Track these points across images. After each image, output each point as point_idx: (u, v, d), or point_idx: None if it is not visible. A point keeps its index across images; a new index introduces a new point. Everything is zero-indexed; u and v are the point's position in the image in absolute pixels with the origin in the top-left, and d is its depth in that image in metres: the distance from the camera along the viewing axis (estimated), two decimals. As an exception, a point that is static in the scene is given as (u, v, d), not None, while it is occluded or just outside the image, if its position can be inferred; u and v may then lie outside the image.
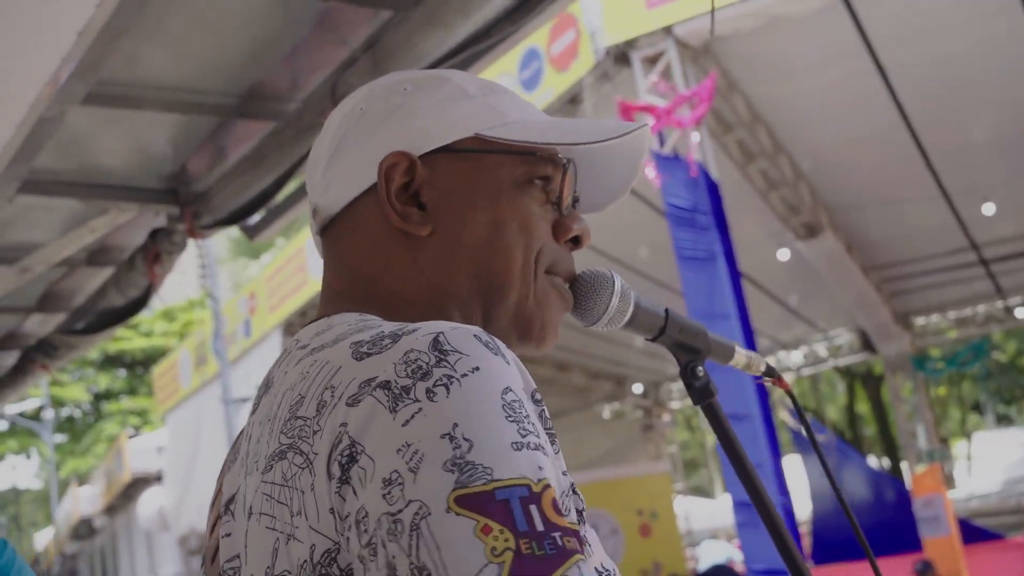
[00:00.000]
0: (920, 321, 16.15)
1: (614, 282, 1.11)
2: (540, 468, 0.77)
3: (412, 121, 1.04)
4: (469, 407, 0.77)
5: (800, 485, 15.35)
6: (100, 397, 34.69)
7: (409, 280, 1.03)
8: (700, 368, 1.20)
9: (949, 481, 17.63)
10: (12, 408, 28.52)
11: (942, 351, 17.45)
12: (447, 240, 1.03)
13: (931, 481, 12.42)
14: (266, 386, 0.99)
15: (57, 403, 33.12)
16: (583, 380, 18.46)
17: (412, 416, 0.77)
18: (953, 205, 11.99)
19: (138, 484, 22.60)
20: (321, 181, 1.07)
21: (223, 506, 1.00)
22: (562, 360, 17.46)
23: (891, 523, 13.98)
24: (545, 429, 0.83)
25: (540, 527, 0.73)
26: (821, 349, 17.70)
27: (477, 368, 0.79)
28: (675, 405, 20.90)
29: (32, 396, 30.78)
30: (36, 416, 32.85)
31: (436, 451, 0.74)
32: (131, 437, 25.12)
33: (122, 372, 34.57)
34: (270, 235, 3.68)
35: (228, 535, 0.96)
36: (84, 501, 28.82)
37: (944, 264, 13.83)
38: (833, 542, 14.42)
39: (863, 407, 31.50)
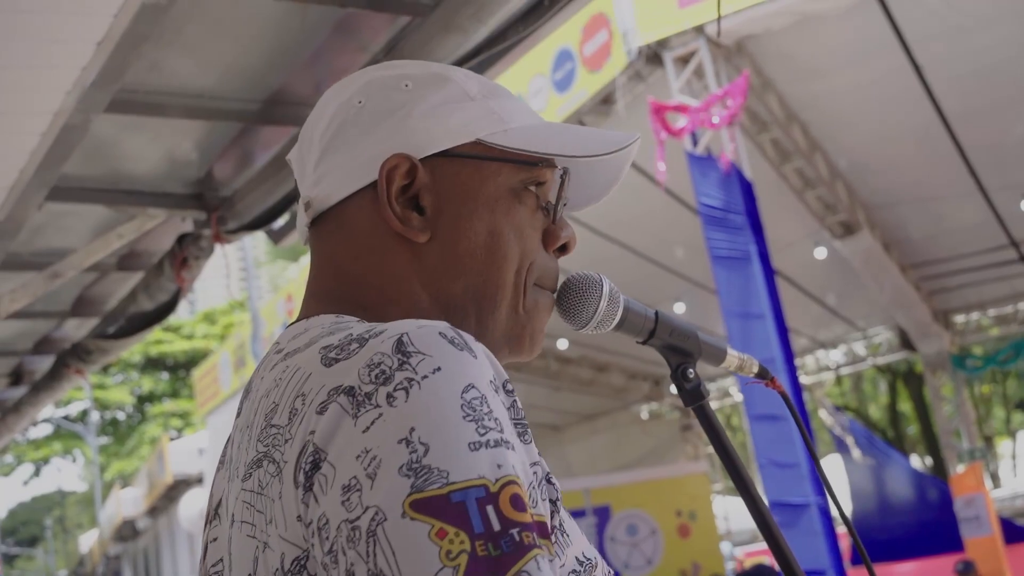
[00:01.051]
0: (960, 319, 15.96)
1: (602, 285, 1.11)
2: (499, 466, 0.76)
3: (413, 122, 1.01)
4: (427, 410, 0.76)
5: (841, 485, 15.25)
6: (143, 399, 35.09)
7: (400, 286, 1.01)
8: (691, 371, 1.20)
9: (994, 480, 17.42)
10: (57, 411, 28.93)
11: (984, 349, 17.24)
12: (445, 247, 1.01)
13: (972, 480, 12.27)
14: (246, 392, 0.99)
15: (101, 406, 33.54)
16: (621, 381, 18.42)
17: (373, 422, 0.76)
18: (991, 202, 11.83)
19: (179, 486, 22.85)
20: (313, 173, 1.04)
21: (212, 510, 1.00)
22: (601, 361, 17.43)
23: (933, 523, 13.86)
24: (514, 420, 0.82)
25: (497, 527, 0.73)
26: (860, 348, 17.54)
27: (438, 368, 0.78)
28: (714, 405, 20.77)
29: (76, 399, 31.24)
30: (80, 419, 33.32)
31: (393, 456, 0.74)
32: (172, 439, 25.40)
33: (164, 375, 34.95)
34: (295, 239, 3.71)
35: (215, 540, 0.97)
36: (127, 503, 29.17)
37: (983, 262, 13.65)
38: (873, 542, 14.31)
39: (906, 406, 31.17)
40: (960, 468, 14.13)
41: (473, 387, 0.79)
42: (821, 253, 12.55)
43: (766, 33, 8.70)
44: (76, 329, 4.81)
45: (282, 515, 0.81)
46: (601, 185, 1.17)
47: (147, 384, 34.48)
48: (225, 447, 1.04)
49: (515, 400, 0.84)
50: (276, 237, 3.73)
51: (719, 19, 5.67)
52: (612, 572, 0.96)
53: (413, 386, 0.77)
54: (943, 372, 15.65)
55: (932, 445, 28.76)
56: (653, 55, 9.19)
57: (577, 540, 0.91)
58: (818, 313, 15.69)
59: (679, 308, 14.00)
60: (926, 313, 14.86)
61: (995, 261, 13.61)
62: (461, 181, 1.02)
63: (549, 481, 0.89)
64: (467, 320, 1.02)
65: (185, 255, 3.65)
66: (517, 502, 0.75)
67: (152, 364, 34.22)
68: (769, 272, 8.40)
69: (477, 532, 0.72)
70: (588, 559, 0.91)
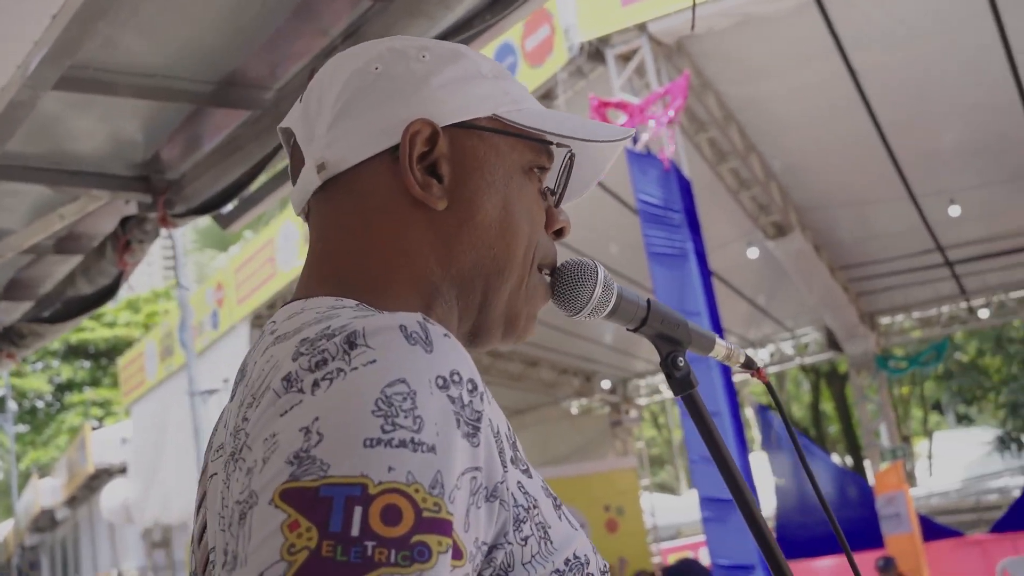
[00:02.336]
0: (885, 321, 16.31)
1: (597, 272, 1.12)
2: (390, 469, 0.71)
3: (433, 92, 1.00)
4: (338, 401, 0.73)
5: (766, 482, 15.47)
6: (62, 388, 34.37)
7: (412, 254, 0.99)
8: (681, 359, 1.20)
9: (911, 479, 17.82)
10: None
11: (904, 350, 17.63)
12: (461, 218, 1.00)
13: (893, 479, 12.55)
14: (241, 373, 0.95)
15: (19, 394, 32.77)
16: (552, 376, 18.49)
17: (290, 408, 0.75)
18: (920, 207, 12.11)
19: (101, 476, 22.43)
20: (325, 136, 1.01)
21: (198, 500, 0.99)
22: (531, 356, 17.49)
23: (854, 520, 14.11)
24: (461, 419, 0.77)
25: (355, 532, 0.68)
26: (788, 347, 17.83)
27: (372, 361, 0.75)
28: (642, 401, 20.98)
29: (-8, 386, 30.48)
30: (-2, 406, 32.52)
31: (289, 443, 0.72)
32: (95, 428, 24.90)
33: (85, 363, 34.27)
34: (243, 224, 3.65)
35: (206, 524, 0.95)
36: (45, 492, 28.55)
37: (910, 265, 13.97)
38: (796, 538, 14.54)
39: (827, 405, 31.79)
40: (882, 467, 14.43)
41: (403, 382, 0.75)
42: (753, 253, 12.73)
43: (708, 33, 8.79)
44: (6, 313, 4.68)
45: (222, 502, 0.82)
46: (583, 180, 1.18)
47: (67, 372, 33.77)
48: (214, 434, 1.01)
49: (472, 400, 0.79)
50: (224, 222, 3.66)
51: (694, 7, 5.67)
52: (606, 566, 0.94)
53: (340, 375, 0.75)
54: (867, 372, 15.97)
55: (852, 444, 29.37)
56: (595, 52, 9.22)
57: (566, 543, 0.87)
58: (748, 312, 15.92)
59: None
60: (853, 314, 15.16)
61: (921, 265, 13.94)
62: (478, 154, 1.02)
63: (521, 488, 0.85)
64: (474, 294, 1.01)
65: (129, 238, 3.56)
66: (390, 514, 0.70)
67: (73, 352, 33.56)
68: (705, 270, 8.49)
69: (331, 531, 0.68)
70: (578, 558, 0.87)
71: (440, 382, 0.77)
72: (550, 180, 1.13)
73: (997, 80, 9.45)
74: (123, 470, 20.45)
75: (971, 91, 9.74)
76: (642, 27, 8.82)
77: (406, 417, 0.73)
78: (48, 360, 33.58)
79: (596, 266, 1.12)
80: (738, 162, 10.85)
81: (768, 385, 1.28)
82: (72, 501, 27.02)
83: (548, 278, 1.10)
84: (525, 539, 0.84)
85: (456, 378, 0.78)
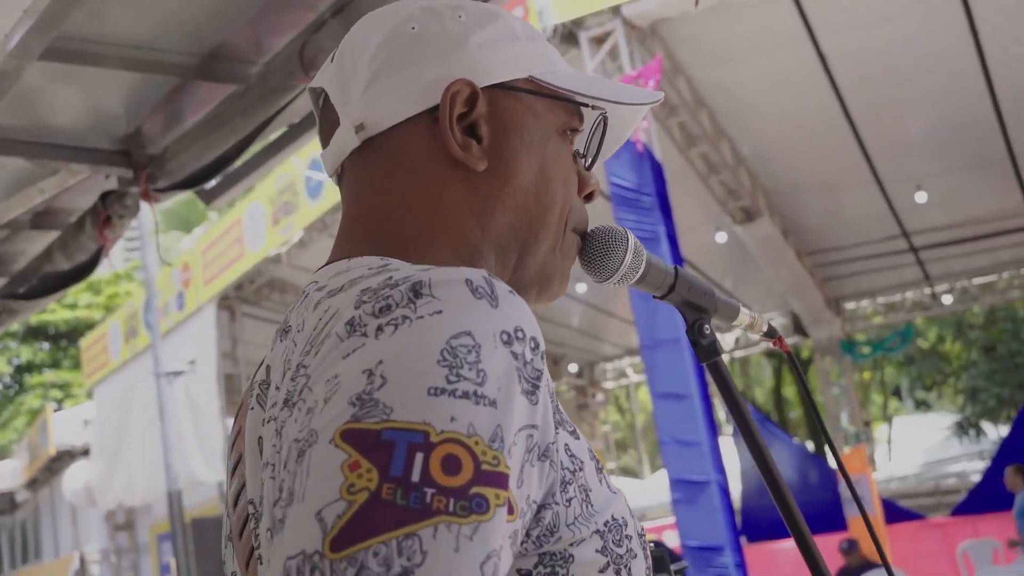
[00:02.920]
0: (850, 306, 16.46)
1: (628, 238, 1.12)
2: (452, 419, 0.71)
3: (471, 52, 1.00)
4: (404, 347, 0.73)
5: (732, 465, 15.60)
6: (22, 370, 33.94)
7: (451, 214, 0.99)
8: (707, 327, 1.21)
9: (871, 463, 18.04)
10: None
11: (867, 336, 17.83)
12: (499, 179, 1.00)
13: (857, 462, 12.70)
14: (284, 331, 0.95)
15: (-23, 375, 32.40)
16: (518, 359, 18.50)
17: (353, 351, 0.75)
18: (887, 193, 12.22)
19: (63, 458, 22.21)
20: (362, 96, 1.00)
21: (233, 463, 0.98)
22: (498, 339, 17.48)
23: (817, 503, 14.28)
24: (523, 377, 0.77)
25: (415, 478, 0.68)
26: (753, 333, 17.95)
27: (439, 312, 0.75)
28: (609, 385, 21.06)
29: (-49, 367, 30.10)
30: (-45, 388, 32.11)
31: (351, 384, 0.72)
32: (56, 410, 24.64)
33: (45, 345, 33.86)
34: (226, 200, 3.62)
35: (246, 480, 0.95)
36: (4, 475, 28.23)
37: (876, 251, 14.10)
38: (762, 521, 14.70)
39: (789, 390, 32.08)
40: (845, 451, 14.59)
41: (468, 334, 0.75)
42: (722, 237, 12.80)
43: (681, 18, 8.80)
44: (-23, 289, 4.61)
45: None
46: (608, 144, 1.17)
47: (26, 354, 33.36)
48: (251, 390, 1.00)
49: (534, 358, 0.79)
50: (207, 198, 3.62)
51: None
52: (643, 529, 0.95)
53: (405, 323, 0.75)
54: (831, 357, 16.13)
55: (814, 429, 29.68)
56: (568, 34, 9.21)
57: (606, 505, 0.87)
58: (715, 297, 15.99)
59: (581, 288, 14.12)
60: (819, 299, 15.29)
61: (887, 251, 14.07)
62: (516, 116, 1.01)
63: (568, 450, 0.85)
64: (510, 255, 1.01)
65: (109, 213, 3.52)
66: (450, 463, 0.70)
67: (32, 333, 33.13)
68: (676, 254, 8.53)
69: (392, 474, 0.68)
70: (616, 520, 0.88)
71: (504, 337, 0.77)
72: (579, 143, 1.13)
73: (965, 67, 9.55)
74: (85, 452, 20.26)
75: (939, 78, 9.83)
76: (616, 10, 8.82)
77: (470, 369, 0.73)
78: (7, 342, 33.15)
79: (627, 232, 1.12)
80: (708, 147, 10.90)
81: (789, 355, 1.30)
82: (33, 483, 26.74)
83: (579, 239, 1.10)
84: (569, 500, 0.84)
85: (520, 335, 0.78)
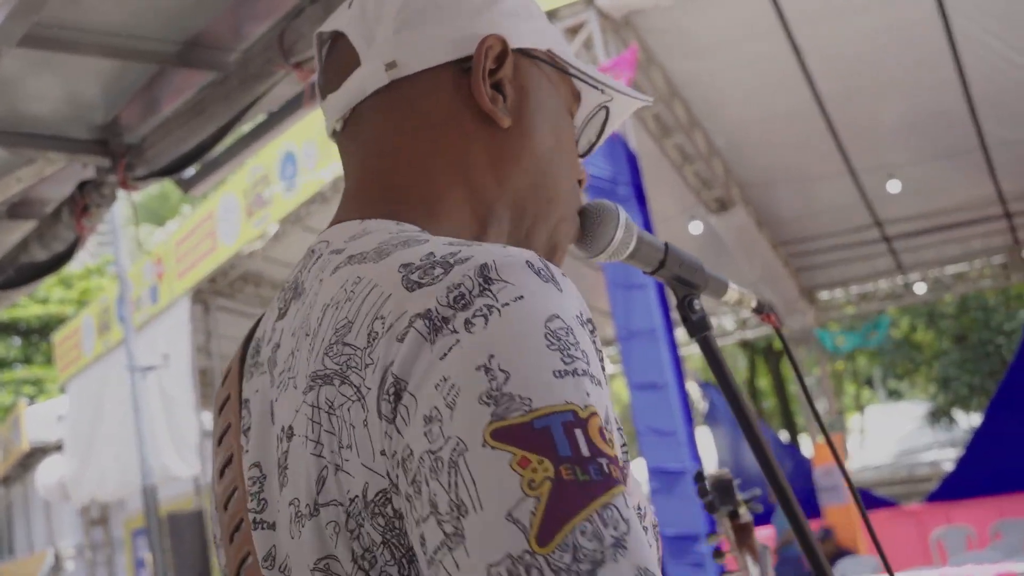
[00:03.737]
0: (824, 296, 16.57)
1: (618, 214, 1.13)
2: (587, 395, 0.73)
3: (502, 14, 1.01)
4: (507, 337, 0.74)
5: (709, 456, 15.70)
6: (-7, 366, 33.69)
7: (471, 168, 0.99)
8: (696, 302, 1.23)
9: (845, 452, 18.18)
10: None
11: (840, 325, 17.92)
12: (520, 139, 1.00)
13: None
14: (295, 291, 0.95)
15: (-52, 371, 32.10)
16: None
17: (449, 349, 0.74)
18: (859, 183, 12.30)
19: (36, 454, 22.02)
20: (393, 38, 0.99)
21: (244, 410, 0.96)
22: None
23: (792, 491, 14.39)
24: (597, 358, 0.80)
25: (585, 452, 0.70)
26: (728, 322, 18.05)
27: (520, 297, 0.76)
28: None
29: (-79, 363, 29.80)
30: (-75, 384, 31.80)
31: (472, 384, 0.72)
32: (29, 406, 24.44)
33: (16, 340, 33.59)
34: (205, 188, 3.61)
35: (249, 442, 0.94)
36: (-24, 472, 28.00)
37: (849, 240, 14.19)
38: (736, 511, 14.78)
39: (763, 381, 32.27)
40: (820, 440, 14.70)
41: (558, 317, 0.76)
42: (696, 228, 12.85)
43: (654, 8, 8.83)
44: (-49, 281, 4.57)
45: (368, 443, 0.78)
46: (588, 139, 1.20)
47: (-2, 350, 33.12)
48: (255, 346, 1.00)
49: (596, 338, 0.82)
50: (186, 186, 3.61)
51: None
52: (655, 519, 0.96)
53: (493, 312, 0.75)
54: (805, 347, 16.23)
55: (787, 419, 29.89)
56: (543, 25, 9.20)
57: (635, 491, 0.89)
58: (689, 287, 16.05)
59: (557, 279, 14.13)
60: (793, 289, 15.37)
61: (860, 240, 14.16)
62: (536, 83, 1.03)
63: (619, 428, 0.87)
64: (525, 218, 1.02)
65: (87, 202, 3.50)
66: (604, 434, 0.73)
67: (3, 329, 32.86)
68: (652, 244, 8.54)
69: (563, 455, 0.69)
70: (640, 509, 0.89)
71: (579, 320, 0.79)
72: (578, 129, 1.15)
73: (936, 57, 9.62)
74: (59, 447, 20.11)
75: (911, 68, 9.90)
76: (589, 1, 8.84)
77: (576, 350, 0.75)
78: (-22, 337, 32.88)
79: (617, 208, 1.14)
80: (682, 137, 10.93)
81: (778, 330, 1.32)
82: (6, 480, 26.52)
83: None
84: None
85: (587, 317, 0.80)
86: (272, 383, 0.92)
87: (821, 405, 16.36)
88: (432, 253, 0.81)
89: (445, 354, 0.74)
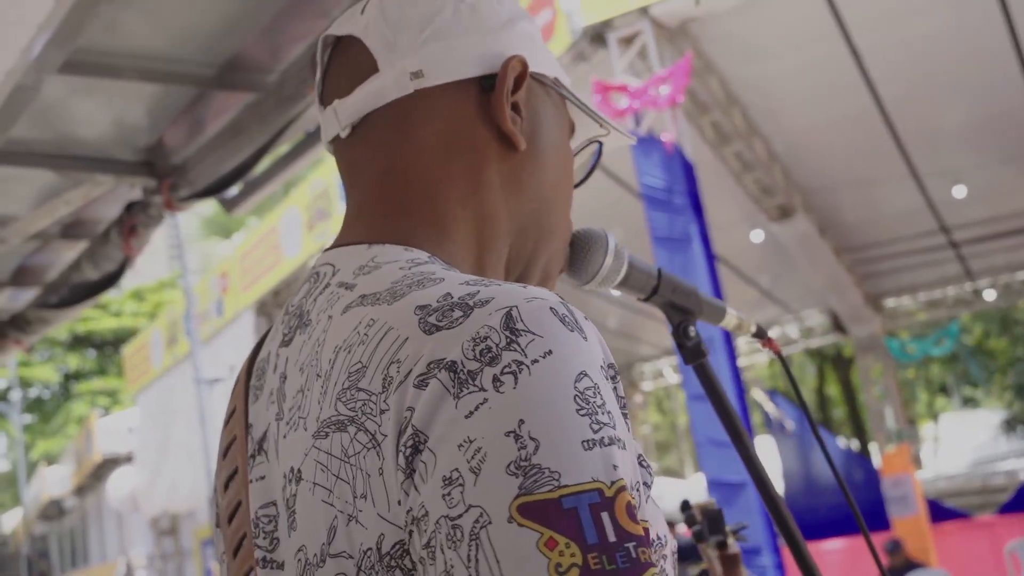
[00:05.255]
0: (890, 303, 16.29)
1: (607, 241, 1.12)
2: (615, 468, 0.71)
3: (519, 37, 1.00)
4: (538, 400, 0.71)
5: (772, 466, 15.51)
6: (69, 377, 34.43)
7: (478, 190, 0.97)
8: (692, 328, 1.20)
9: (916, 462, 17.85)
10: (-21, 389, 28.35)
11: (911, 333, 17.65)
12: (531, 163, 0.99)
13: (900, 461, 12.56)
14: (300, 318, 0.92)
15: (25, 383, 32.86)
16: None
17: (476, 407, 0.71)
18: (924, 188, 12.08)
19: (108, 465, 22.48)
20: (419, 47, 0.97)
21: (256, 444, 0.93)
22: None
23: (860, 502, 14.11)
24: (620, 409, 0.77)
25: (612, 538, 0.68)
26: (793, 331, 17.83)
27: (550, 352, 0.73)
28: (647, 386, 20.98)
29: None
30: (3, 396, 32.62)
31: (499, 451, 0.69)
32: (101, 417, 24.95)
33: (91, 352, 34.32)
34: (248, 208, 3.65)
35: (263, 478, 0.91)
36: (53, 482, 28.65)
37: (915, 247, 13.94)
38: (804, 521, 14.59)
39: (833, 389, 31.79)
40: (887, 449, 14.45)
41: (586, 375, 0.74)
42: (757, 236, 12.72)
43: (709, 15, 8.76)
44: (13, 300, 4.68)
45: (384, 493, 0.75)
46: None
47: (74, 362, 33.82)
48: (260, 373, 0.98)
49: (618, 384, 0.79)
50: (229, 206, 3.65)
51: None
52: (676, 546, 0.94)
53: (523, 370, 0.72)
54: (873, 355, 15.98)
55: (858, 428, 29.40)
56: (597, 35, 9.19)
57: (655, 521, 0.86)
58: (753, 296, 15.90)
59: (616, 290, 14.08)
60: (858, 297, 15.14)
61: (926, 246, 13.91)
62: (547, 110, 1.02)
63: (642, 464, 0.83)
64: (527, 244, 1.00)
65: (134, 223, 3.56)
66: (631, 511, 0.70)
67: (79, 342, 33.59)
68: (709, 254, 8.48)
69: (590, 543, 0.67)
70: (660, 538, 0.87)
71: (607, 373, 0.77)
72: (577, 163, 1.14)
73: (1000, 58, 9.42)
74: (130, 459, 20.50)
75: (974, 70, 9.71)
76: (644, 10, 8.80)
77: (603, 414, 0.73)
78: (54, 350, 33.63)
79: (606, 235, 1.12)
80: (741, 144, 10.83)
81: (779, 355, 1.29)
82: (80, 490, 27.12)
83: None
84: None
85: (610, 363, 0.78)
86: (280, 417, 0.90)
87: (889, 414, 16.09)
88: (449, 294, 0.79)
89: (471, 412, 0.71)
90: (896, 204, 12.51)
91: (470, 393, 0.72)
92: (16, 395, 29.62)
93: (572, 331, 0.76)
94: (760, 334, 1.27)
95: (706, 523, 1.49)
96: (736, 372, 8.27)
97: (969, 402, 37.80)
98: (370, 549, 0.75)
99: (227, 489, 0.96)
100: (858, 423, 29.67)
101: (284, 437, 0.87)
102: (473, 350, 0.73)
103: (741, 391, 8.28)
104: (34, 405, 35.28)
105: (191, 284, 15.68)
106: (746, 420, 8.18)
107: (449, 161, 0.96)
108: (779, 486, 14.04)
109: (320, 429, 0.81)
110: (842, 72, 9.66)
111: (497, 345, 0.73)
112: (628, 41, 9.04)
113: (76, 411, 32.47)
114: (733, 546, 1.45)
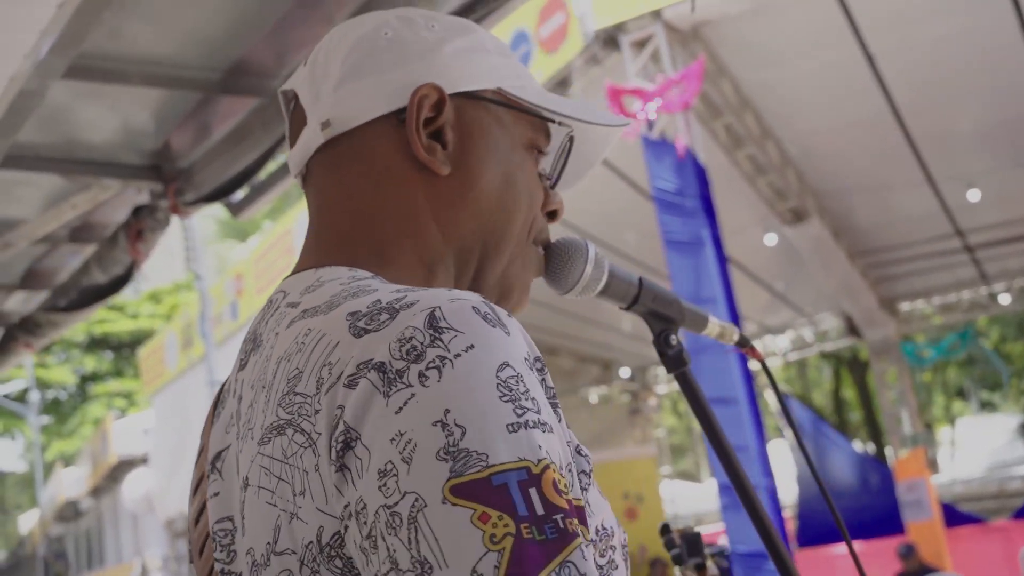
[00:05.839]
0: (905, 307, 16.22)
1: (587, 250, 1.12)
2: (539, 447, 0.75)
3: (443, 59, 1.01)
4: (461, 390, 0.75)
5: (786, 470, 15.45)
6: (86, 379, 34.60)
7: (415, 219, 1.00)
8: (673, 336, 1.20)
9: (933, 466, 17.76)
10: (-4, 390, 28.49)
11: (926, 337, 17.56)
12: (463, 185, 1.00)
13: (914, 465, 12.50)
14: (254, 342, 0.96)
15: (42, 385, 33.03)
16: (571, 364, 18.49)
17: (405, 403, 0.75)
18: (939, 192, 12.03)
19: (123, 466, 22.58)
20: (332, 95, 1.01)
21: (209, 464, 0.97)
22: (550, 344, 17.48)
23: (875, 507, 14.08)
24: (548, 399, 0.81)
25: (540, 511, 0.72)
26: (807, 334, 17.76)
27: (471, 346, 0.77)
28: (662, 389, 20.95)
29: (16, 378, 30.77)
30: (21, 398, 32.79)
31: (428, 440, 0.73)
32: (117, 419, 25.06)
33: (108, 354, 34.48)
34: (254, 212, 3.67)
35: (216, 494, 0.95)
36: (69, 483, 28.78)
37: (929, 250, 13.88)
38: (818, 525, 14.52)
39: (849, 392, 31.65)
40: (903, 453, 14.38)
41: (508, 365, 0.77)
42: (771, 239, 12.68)
43: (722, 19, 8.75)
44: (23, 303, 4.72)
45: (321, 487, 0.78)
46: (576, 169, 1.19)
47: (90, 364, 33.99)
48: (223, 399, 1.02)
49: (545, 377, 0.82)
50: (235, 210, 3.68)
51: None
52: (626, 539, 0.96)
53: (446, 364, 0.76)
54: (888, 359, 15.90)
55: (874, 431, 29.27)
56: (610, 39, 9.19)
57: (599, 510, 0.90)
58: (766, 299, 15.85)
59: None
60: (872, 300, 15.08)
61: (940, 250, 13.85)
62: (483, 125, 1.02)
63: (580, 452, 0.88)
64: (471, 261, 1.02)
65: (141, 227, 3.59)
66: (557, 487, 0.74)
67: (96, 343, 33.75)
68: (722, 257, 8.46)
69: (521, 515, 0.71)
70: (605, 529, 0.90)
71: (530, 363, 0.80)
72: (545, 165, 1.13)
73: (1014, 62, 9.37)
74: (145, 460, 20.59)
75: (988, 73, 9.66)
76: (657, 13, 8.79)
77: (526, 400, 0.76)
78: (71, 351, 33.80)
79: (587, 244, 1.12)
80: (754, 148, 10.80)
81: (763, 364, 1.29)
82: (96, 491, 27.24)
83: (542, 252, 1.11)
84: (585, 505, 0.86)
85: (535, 356, 0.82)
86: (238, 435, 0.93)
87: (905, 418, 16.01)
88: (378, 300, 0.82)
89: (400, 408, 0.75)
90: (910, 208, 12.45)
91: (398, 391, 0.75)
92: (34, 396, 29.75)
93: (494, 327, 0.79)
94: (743, 343, 1.27)
95: (685, 546, 1.50)
96: (748, 376, 8.25)
97: (986, 406, 37.57)
98: (311, 543, 0.79)
99: (197, 524, 0.99)
100: (874, 427, 29.53)
101: (240, 452, 0.90)
102: (399, 350, 0.77)
103: (753, 395, 8.25)
104: (51, 407, 35.46)
105: (206, 287, 15.72)
106: (758, 423, 8.14)
107: (379, 196, 1.00)
108: (793, 490, 13.95)
109: (264, 436, 0.84)
110: (856, 75, 9.62)
111: (422, 344, 0.77)
112: (641, 44, 9.04)
113: (92, 413, 32.62)
114: (712, 568, 1.46)
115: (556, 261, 1.11)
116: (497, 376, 0.76)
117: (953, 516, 14.62)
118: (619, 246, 12.28)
